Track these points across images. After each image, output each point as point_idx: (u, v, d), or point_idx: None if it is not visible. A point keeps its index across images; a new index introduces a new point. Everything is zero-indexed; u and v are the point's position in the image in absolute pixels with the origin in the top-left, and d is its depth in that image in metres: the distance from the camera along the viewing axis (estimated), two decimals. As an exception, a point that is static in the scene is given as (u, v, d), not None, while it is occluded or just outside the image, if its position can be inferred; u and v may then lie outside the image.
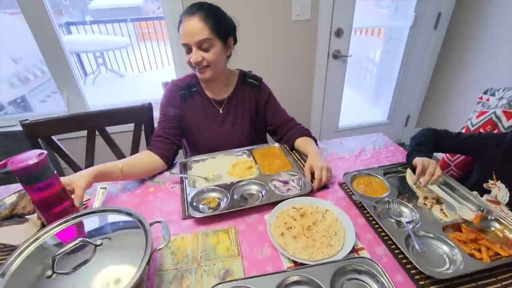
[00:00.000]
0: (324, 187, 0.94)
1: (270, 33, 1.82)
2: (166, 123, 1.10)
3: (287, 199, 0.85)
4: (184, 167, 1.04)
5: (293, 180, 0.95)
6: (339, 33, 1.91)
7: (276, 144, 1.16)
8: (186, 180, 0.96)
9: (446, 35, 2.11)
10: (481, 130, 1.02)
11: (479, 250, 0.68)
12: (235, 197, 0.89)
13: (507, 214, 0.85)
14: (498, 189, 0.87)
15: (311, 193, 0.90)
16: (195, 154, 1.14)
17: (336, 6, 1.81)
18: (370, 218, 0.81)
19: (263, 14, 1.75)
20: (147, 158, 1.01)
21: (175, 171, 1.05)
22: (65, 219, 0.63)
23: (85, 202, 0.87)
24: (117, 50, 4.63)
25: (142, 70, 4.89)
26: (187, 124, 1.14)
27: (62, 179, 0.74)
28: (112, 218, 0.68)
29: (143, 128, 1.24)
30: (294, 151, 1.15)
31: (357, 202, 0.86)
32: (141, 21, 4.54)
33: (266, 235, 0.75)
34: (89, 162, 1.18)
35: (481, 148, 0.94)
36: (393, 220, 0.80)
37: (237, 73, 1.20)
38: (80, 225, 0.66)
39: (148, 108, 1.20)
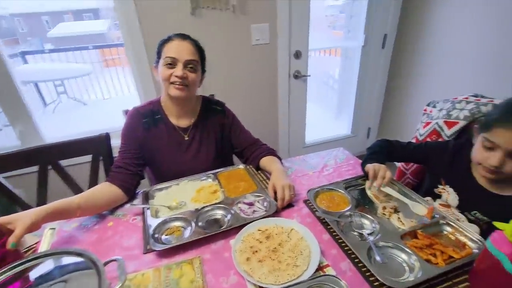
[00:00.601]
0: (289, 205, 0.95)
1: (232, 57, 1.87)
2: (127, 152, 1.06)
3: (252, 221, 0.85)
4: (146, 197, 1.00)
5: (258, 202, 0.95)
6: (297, 55, 2.01)
7: (241, 166, 1.17)
8: (148, 210, 0.92)
9: (393, 53, 2.31)
10: (428, 139, 1.10)
11: (435, 255, 0.72)
12: (200, 224, 0.86)
13: (458, 216, 0.91)
14: (448, 193, 0.94)
15: (276, 213, 0.91)
16: (160, 182, 1.10)
17: (293, 30, 1.92)
18: (334, 233, 0.82)
19: (224, 39, 1.80)
20: (106, 190, 0.96)
21: (136, 202, 1.00)
22: (3, 269, 0.57)
23: (33, 245, 0.80)
24: (80, 78, 4.47)
25: (107, 97, 4.75)
26: (150, 153, 1.11)
27: (1, 218, 0.68)
28: (62, 261, 0.62)
29: (101, 159, 1.18)
30: (259, 171, 1.16)
31: (321, 218, 0.87)
32: (104, 48, 4.45)
33: (232, 262, 0.73)
34: (41, 201, 1.10)
35: (429, 156, 1.02)
36: (355, 233, 0.82)
37: (200, 99, 1.21)
38: (24, 273, 0.60)
39: (106, 138, 1.16)
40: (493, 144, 0.77)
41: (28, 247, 0.81)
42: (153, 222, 0.86)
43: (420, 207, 0.88)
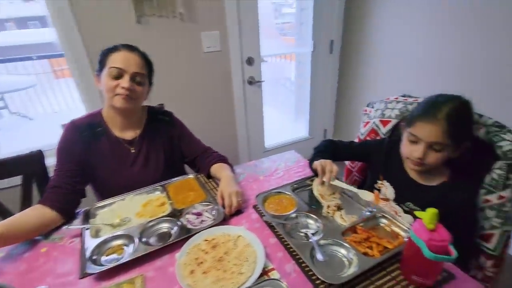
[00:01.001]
0: (238, 212, 0.95)
1: (183, 65, 1.84)
2: (64, 170, 0.99)
3: (199, 232, 0.83)
4: (87, 216, 0.94)
5: (206, 211, 0.94)
6: (250, 61, 2.04)
7: (191, 175, 1.14)
8: (87, 231, 0.86)
9: (340, 58, 2.45)
10: (368, 138, 1.17)
11: (371, 248, 0.76)
12: (144, 240, 0.83)
13: (395, 208, 0.97)
14: (385, 188, 1.00)
15: (225, 221, 0.90)
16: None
17: (243, 38, 1.95)
18: (280, 236, 0.83)
19: (173, 47, 1.77)
20: (35, 213, 0.87)
21: (76, 223, 0.93)
22: None
23: None
24: (24, 91, 4.09)
25: (57, 111, 4.41)
26: (92, 169, 1.05)
27: None
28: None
29: (34, 180, 1.08)
30: (211, 180, 1.15)
31: (268, 222, 0.88)
32: (49, 58, 4.13)
33: (176, 277, 0.71)
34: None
35: (368, 153, 1.08)
36: (302, 234, 0.84)
37: (146, 109, 1.17)
38: None
39: (39, 155, 1.07)
40: (416, 138, 0.85)
41: None
42: (91, 243, 0.81)
43: (368, 194, 0.92)
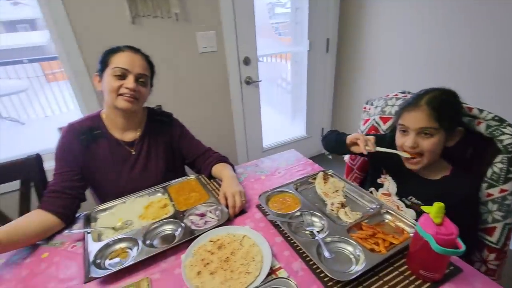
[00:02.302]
0: (242, 212, 0.94)
1: (179, 66, 1.83)
2: (64, 174, 0.97)
3: (203, 233, 0.82)
4: (88, 220, 0.92)
5: (210, 212, 0.93)
6: (246, 61, 2.04)
7: (192, 176, 1.13)
8: (89, 235, 0.84)
9: (337, 56, 2.46)
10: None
11: (378, 244, 0.76)
12: (148, 242, 0.82)
13: (397, 203, 0.98)
14: (388, 182, 1.01)
15: (229, 221, 0.89)
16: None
17: (239, 38, 1.94)
18: (286, 235, 0.83)
19: (169, 48, 1.76)
20: (35, 219, 0.86)
21: (76, 227, 0.92)
22: None
23: None
24: (15, 95, 4.02)
25: (49, 115, 4.34)
26: (92, 172, 1.03)
27: None
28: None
29: (33, 185, 1.06)
30: (212, 180, 1.14)
31: (273, 221, 0.88)
32: (41, 61, 4.07)
33: (182, 279, 0.70)
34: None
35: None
36: (307, 232, 0.83)
37: (146, 111, 1.15)
38: None
39: (36, 160, 1.05)
40: (404, 127, 0.88)
41: None
42: (94, 247, 0.79)
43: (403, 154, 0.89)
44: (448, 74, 1.74)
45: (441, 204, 0.61)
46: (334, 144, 1.09)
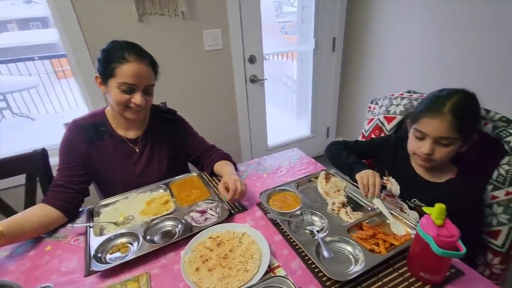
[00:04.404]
0: (243, 209, 0.94)
1: (185, 63, 1.84)
2: (68, 170, 0.98)
3: (203, 229, 0.82)
4: (91, 215, 0.94)
5: (211, 208, 0.93)
6: (252, 59, 2.03)
7: (194, 173, 1.14)
8: (91, 229, 0.85)
9: (343, 55, 2.44)
10: (372, 135, 1.16)
11: (378, 244, 0.75)
12: (149, 238, 0.82)
13: (401, 205, 0.96)
14: (391, 184, 0.99)
15: (230, 217, 0.89)
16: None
17: (245, 36, 1.94)
18: (286, 234, 0.83)
19: (175, 46, 1.77)
20: (39, 212, 0.87)
21: (79, 222, 0.93)
22: None
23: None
24: (26, 92, 4.11)
25: (59, 111, 4.42)
26: (96, 168, 1.04)
27: None
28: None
29: (38, 179, 1.08)
30: (214, 177, 1.14)
31: (273, 219, 0.88)
32: (51, 58, 4.14)
33: (181, 275, 0.70)
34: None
35: (375, 150, 1.07)
36: (307, 231, 0.83)
37: (150, 107, 1.16)
38: None
39: (42, 154, 1.07)
40: (422, 134, 0.84)
41: None
42: (96, 241, 0.80)
43: (399, 227, 0.81)
44: (455, 73, 1.70)
45: (443, 206, 0.60)
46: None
